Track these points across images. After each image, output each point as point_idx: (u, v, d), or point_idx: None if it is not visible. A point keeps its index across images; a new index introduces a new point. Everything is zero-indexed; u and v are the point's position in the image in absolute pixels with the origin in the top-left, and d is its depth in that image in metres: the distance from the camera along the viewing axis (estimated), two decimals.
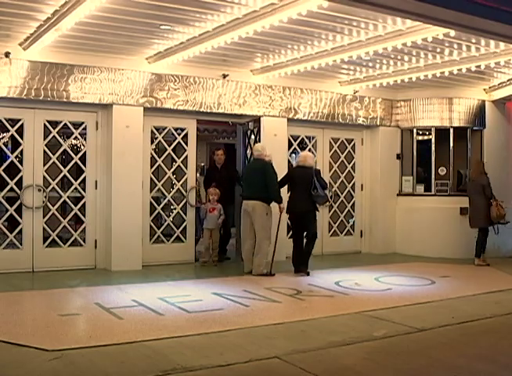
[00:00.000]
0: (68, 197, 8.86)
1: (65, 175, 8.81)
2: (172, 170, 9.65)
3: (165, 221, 9.72)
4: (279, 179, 8.62)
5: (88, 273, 8.41)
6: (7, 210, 8.32)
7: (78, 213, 8.87)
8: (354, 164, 11.30)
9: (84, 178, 8.84)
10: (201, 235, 9.86)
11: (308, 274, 8.41)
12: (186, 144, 9.62)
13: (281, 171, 9.61)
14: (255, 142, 9.99)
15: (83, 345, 4.79)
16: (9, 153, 8.66)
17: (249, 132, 10.29)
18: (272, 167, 8.52)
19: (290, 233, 10.17)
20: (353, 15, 6.52)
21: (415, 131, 11.23)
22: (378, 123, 11.14)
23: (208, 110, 9.38)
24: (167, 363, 4.41)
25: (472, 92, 10.90)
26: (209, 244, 9.28)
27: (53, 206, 8.65)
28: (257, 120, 9.95)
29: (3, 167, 8.32)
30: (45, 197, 8.48)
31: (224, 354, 4.66)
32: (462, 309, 6.47)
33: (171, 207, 10.00)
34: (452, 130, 10.94)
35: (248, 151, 10.34)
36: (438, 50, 8.04)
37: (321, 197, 8.55)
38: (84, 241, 8.81)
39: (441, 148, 10.93)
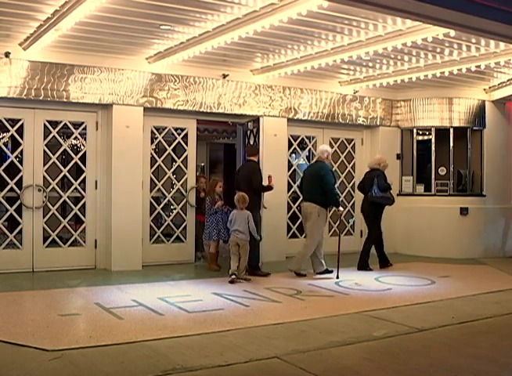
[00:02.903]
0: (68, 197, 8.86)
1: (65, 175, 8.81)
2: (172, 170, 9.66)
3: (165, 221, 9.72)
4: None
5: (88, 273, 8.41)
6: (7, 210, 8.32)
7: (78, 213, 8.87)
8: (354, 164, 11.31)
9: (84, 178, 8.84)
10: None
11: (368, 270, 8.90)
12: (186, 144, 9.62)
13: (281, 171, 9.64)
14: (254, 142, 9.98)
15: (83, 345, 4.79)
16: (9, 153, 8.66)
17: (248, 132, 10.29)
18: (330, 170, 8.53)
19: (291, 233, 10.20)
20: (353, 15, 6.52)
21: (415, 131, 11.23)
22: (378, 123, 11.15)
23: (208, 110, 9.38)
24: (167, 363, 4.41)
25: (472, 92, 10.90)
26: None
27: (53, 206, 8.65)
28: (256, 120, 9.94)
29: (3, 167, 8.32)
30: (45, 197, 8.48)
31: (224, 354, 4.66)
32: (462, 309, 6.47)
33: (171, 207, 10.01)
34: (452, 130, 10.94)
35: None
36: (438, 50, 8.04)
37: (379, 199, 8.88)
38: (84, 241, 8.81)
39: (441, 148, 10.94)
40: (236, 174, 9.00)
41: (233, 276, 7.78)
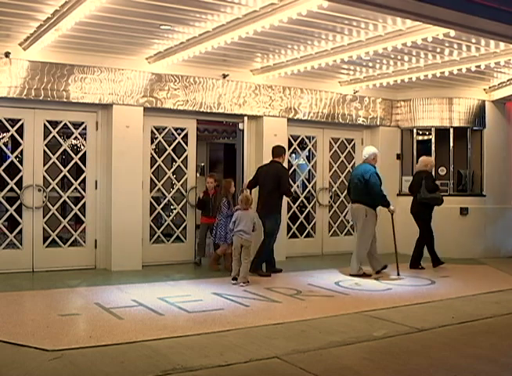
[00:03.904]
0: (68, 197, 8.86)
1: (65, 175, 8.81)
2: (172, 170, 9.66)
3: (165, 221, 9.72)
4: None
5: (88, 273, 8.41)
6: (7, 210, 8.32)
7: (78, 213, 8.87)
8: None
9: (84, 178, 8.84)
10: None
11: (420, 268, 9.13)
12: (186, 144, 9.62)
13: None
14: (242, 143, 9.88)
15: (83, 345, 4.79)
16: (9, 153, 8.66)
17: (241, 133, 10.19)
18: (375, 172, 8.60)
19: (291, 233, 10.20)
20: (353, 15, 6.52)
21: (415, 131, 11.23)
22: (378, 123, 11.15)
23: (208, 110, 9.38)
24: (167, 363, 4.41)
25: (472, 92, 10.90)
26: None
27: (53, 206, 8.65)
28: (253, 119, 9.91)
29: (3, 167, 8.32)
30: (45, 197, 8.48)
31: (224, 354, 4.66)
32: (462, 309, 6.47)
33: (171, 207, 10.00)
34: (452, 130, 10.94)
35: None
36: (438, 50, 8.05)
37: (427, 199, 9.10)
38: (84, 241, 8.81)
39: (441, 148, 10.93)
40: (258, 174, 8.84)
41: (234, 282, 7.66)
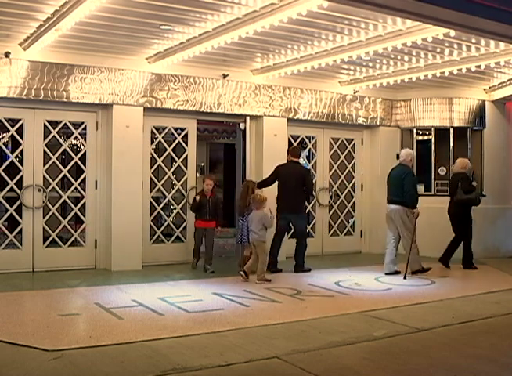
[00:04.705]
0: (68, 197, 8.86)
1: (65, 175, 8.81)
2: (172, 170, 9.66)
3: (165, 221, 9.72)
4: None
5: (88, 273, 8.41)
6: (7, 210, 8.32)
7: (78, 213, 8.87)
8: (354, 164, 11.31)
9: (84, 178, 8.84)
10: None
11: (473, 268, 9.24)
12: (186, 144, 9.62)
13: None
14: (244, 143, 9.88)
15: (83, 345, 4.79)
16: (9, 153, 8.67)
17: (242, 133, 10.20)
18: (412, 173, 8.84)
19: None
20: (353, 15, 6.52)
21: (415, 131, 11.23)
22: (378, 123, 11.15)
23: (208, 110, 9.38)
24: (167, 363, 4.41)
25: (472, 92, 10.90)
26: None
27: (53, 206, 8.65)
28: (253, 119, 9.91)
29: (3, 167, 8.32)
30: (45, 197, 8.48)
31: (224, 354, 4.66)
32: (462, 309, 6.47)
33: (171, 207, 10.00)
34: (452, 130, 10.94)
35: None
36: (438, 50, 8.05)
37: (464, 200, 9.22)
38: (84, 241, 8.81)
39: (441, 148, 10.93)
40: (277, 173, 8.94)
41: (241, 273, 7.87)
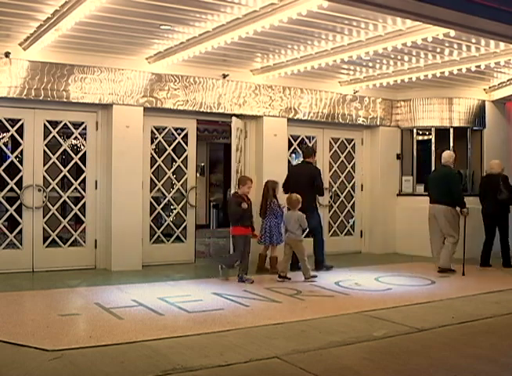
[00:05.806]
0: (68, 197, 8.86)
1: (65, 175, 8.82)
2: (172, 170, 9.66)
3: (165, 221, 9.71)
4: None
5: (88, 273, 8.41)
6: (7, 210, 8.32)
7: (78, 213, 8.88)
8: (354, 164, 11.31)
9: (84, 178, 8.84)
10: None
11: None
12: (186, 144, 9.62)
13: (281, 172, 9.62)
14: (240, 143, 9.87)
15: (83, 345, 4.79)
16: (9, 153, 8.67)
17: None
18: (456, 174, 9.07)
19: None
20: (353, 15, 6.53)
21: (415, 131, 11.24)
22: (378, 123, 11.15)
23: (208, 110, 9.39)
24: (167, 363, 4.40)
25: (472, 92, 10.90)
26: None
27: (53, 206, 8.65)
28: (253, 119, 9.89)
29: (3, 167, 8.33)
30: (45, 197, 8.48)
31: (224, 354, 4.65)
32: (462, 309, 6.47)
33: (171, 207, 10.00)
34: (452, 130, 10.95)
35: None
36: (438, 50, 8.05)
37: (505, 200, 9.38)
38: (84, 241, 8.82)
39: (441, 148, 10.91)
40: (290, 173, 9.28)
41: (280, 277, 7.98)
